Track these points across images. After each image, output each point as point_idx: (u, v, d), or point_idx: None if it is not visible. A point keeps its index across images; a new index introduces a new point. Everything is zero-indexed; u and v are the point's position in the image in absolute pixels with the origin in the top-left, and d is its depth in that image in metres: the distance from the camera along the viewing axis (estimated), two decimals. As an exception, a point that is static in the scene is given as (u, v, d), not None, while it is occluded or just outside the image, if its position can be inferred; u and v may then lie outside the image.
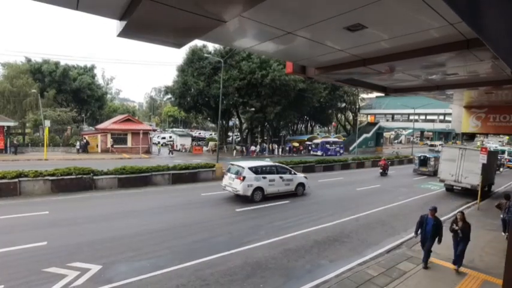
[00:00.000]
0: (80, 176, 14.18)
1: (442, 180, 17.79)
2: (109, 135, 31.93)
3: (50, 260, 6.90)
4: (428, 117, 54.44)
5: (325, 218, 11.36)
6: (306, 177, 15.86)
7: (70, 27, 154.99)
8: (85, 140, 31.49)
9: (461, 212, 7.47)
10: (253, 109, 35.80)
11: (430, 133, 75.71)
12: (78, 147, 30.62)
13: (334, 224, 10.78)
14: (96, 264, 6.78)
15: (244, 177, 13.16)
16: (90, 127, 46.29)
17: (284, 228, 9.93)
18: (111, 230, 9.10)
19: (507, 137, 63.48)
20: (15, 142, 28.83)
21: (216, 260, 7.37)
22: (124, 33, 3.94)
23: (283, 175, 14.69)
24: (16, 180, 12.77)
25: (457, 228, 7.24)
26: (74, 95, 43.94)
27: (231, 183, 13.57)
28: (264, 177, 13.82)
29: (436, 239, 7.35)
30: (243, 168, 13.51)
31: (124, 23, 3.72)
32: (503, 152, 34.60)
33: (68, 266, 6.63)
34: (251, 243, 8.54)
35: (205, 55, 34.75)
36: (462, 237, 7.18)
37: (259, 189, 13.56)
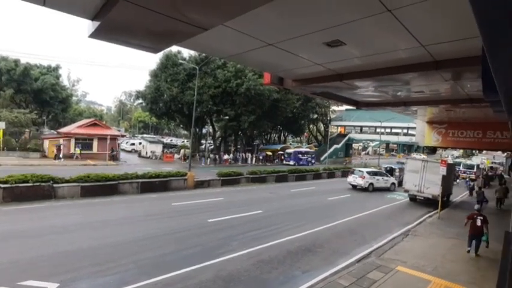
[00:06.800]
0: (37, 183, 13.05)
1: (406, 191, 18.73)
2: (73, 140, 29.92)
3: (-2, 278, 6.18)
4: (394, 130, 57.77)
5: (298, 228, 11.41)
6: (395, 179, 23.99)
7: (35, 24, 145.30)
8: None
9: None
10: (227, 117, 35.63)
11: (395, 145, 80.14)
12: None
13: (306, 233, 10.85)
14: (52, 282, 6.16)
15: (364, 177, 21.74)
16: (52, 130, 43.19)
17: (257, 239, 9.80)
18: (71, 242, 8.38)
19: (461, 151, 68.18)
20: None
21: (187, 273, 7.05)
22: (96, 34, 3.72)
23: (384, 177, 23.22)
24: (-39, 187, 11.49)
25: None
26: (35, 95, 40.95)
27: (355, 180, 22.21)
28: (374, 177, 22.28)
29: None
30: (363, 172, 22.49)
31: (97, 23, 3.51)
32: (459, 164, 37.42)
33: (19, 286, 5.96)
34: (224, 255, 8.31)
35: (180, 61, 34.17)
36: None
37: (371, 184, 21.84)
